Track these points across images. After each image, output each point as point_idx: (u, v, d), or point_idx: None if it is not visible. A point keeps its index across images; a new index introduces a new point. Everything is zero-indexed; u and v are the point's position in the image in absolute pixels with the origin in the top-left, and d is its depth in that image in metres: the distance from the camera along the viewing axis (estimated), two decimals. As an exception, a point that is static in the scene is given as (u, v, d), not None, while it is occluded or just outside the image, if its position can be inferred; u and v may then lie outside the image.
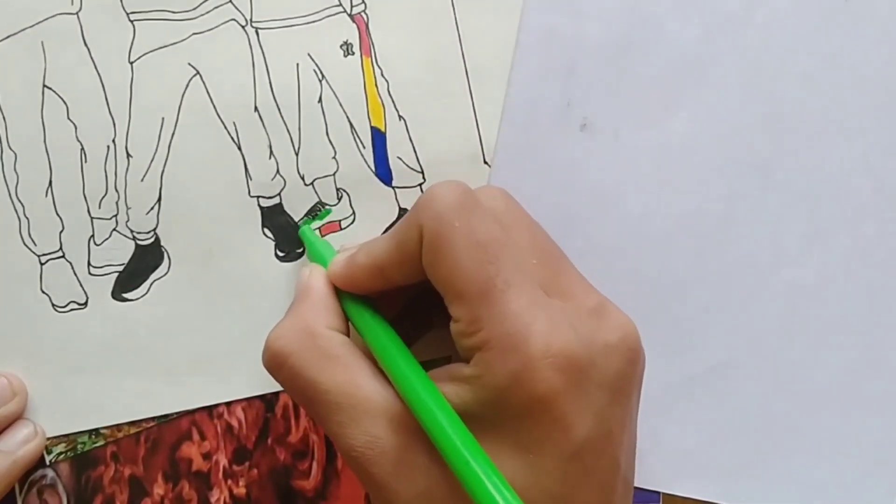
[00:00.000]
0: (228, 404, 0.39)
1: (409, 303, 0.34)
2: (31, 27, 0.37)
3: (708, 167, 0.38)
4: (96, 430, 0.39)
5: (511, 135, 0.38)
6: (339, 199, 0.38)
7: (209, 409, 0.39)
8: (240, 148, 0.38)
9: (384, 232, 0.38)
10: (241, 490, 0.39)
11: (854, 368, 0.38)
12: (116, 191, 0.38)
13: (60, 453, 0.39)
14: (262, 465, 0.39)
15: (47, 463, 0.39)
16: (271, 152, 0.38)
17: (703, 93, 0.37)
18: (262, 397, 0.39)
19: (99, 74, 0.37)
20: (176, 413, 0.39)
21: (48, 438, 0.39)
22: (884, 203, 0.38)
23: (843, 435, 0.38)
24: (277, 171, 0.38)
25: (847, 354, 0.38)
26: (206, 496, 0.39)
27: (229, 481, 0.39)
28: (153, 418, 0.39)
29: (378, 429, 0.30)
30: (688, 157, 0.38)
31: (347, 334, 0.33)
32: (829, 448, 0.38)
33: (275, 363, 0.32)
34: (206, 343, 0.38)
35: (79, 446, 0.39)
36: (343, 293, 0.33)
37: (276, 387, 0.38)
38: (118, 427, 0.39)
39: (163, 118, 0.37)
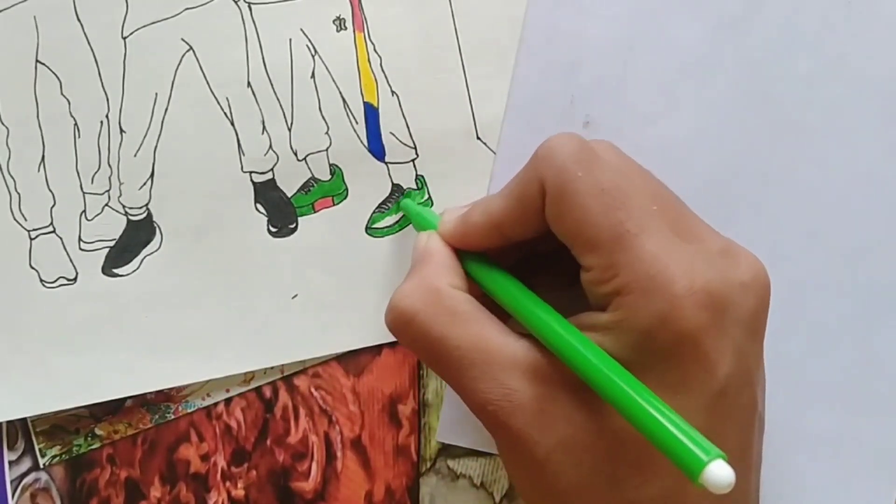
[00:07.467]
0: (227, 404, 0.38)
1: (511, 267, 0.34)
2: (23, 2, 0.37)
3: (709, 167, 0.38)
4: (92, 432, 0.38)
5: (514, 131, 0.38)
6: (333, 174, 0.38)
7: (207, 410, 0.38)
8: (233, 123, 0.38)
9: (379, 205, 0.38)
10: (239, 492, 0.39)
11: (854, 368, 0.38)
12: (109, 166, 0.37)
13: (55, 456, 0.38)
14: (260, 467, 0.39)
15: (41, 466, 0.38)
16: (264, 128, 0.38)
17: (705, 92, 0.37)
18: (261, 398, 0.39)
19: (92, 50, 0.37)
20: (172, 414, 0.38)
21: (35, 417, 0.38)
22: (884, 204, 0.37)
23: (842, 435, 0.37)
24: (270, 147, 0.38)
25: (847, 354, 0.37)
26: (203, 498, 0.39)
27: (227, 483, 0.39)
28: (151, 419, 0.38)
29: (514, 380, 0.29)
30: (689, 157, 0.38)
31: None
32: (829, 448, 0.37)
33: (401, 321, 0.31)
34: (197, 319, 0.38)
35: (74, 449, 0.39)
36: (463, 255, 0.33)
37: (264, 363, 0.38)
38: (115, 429, 0.38)
39: (156, 93, 0.37)
